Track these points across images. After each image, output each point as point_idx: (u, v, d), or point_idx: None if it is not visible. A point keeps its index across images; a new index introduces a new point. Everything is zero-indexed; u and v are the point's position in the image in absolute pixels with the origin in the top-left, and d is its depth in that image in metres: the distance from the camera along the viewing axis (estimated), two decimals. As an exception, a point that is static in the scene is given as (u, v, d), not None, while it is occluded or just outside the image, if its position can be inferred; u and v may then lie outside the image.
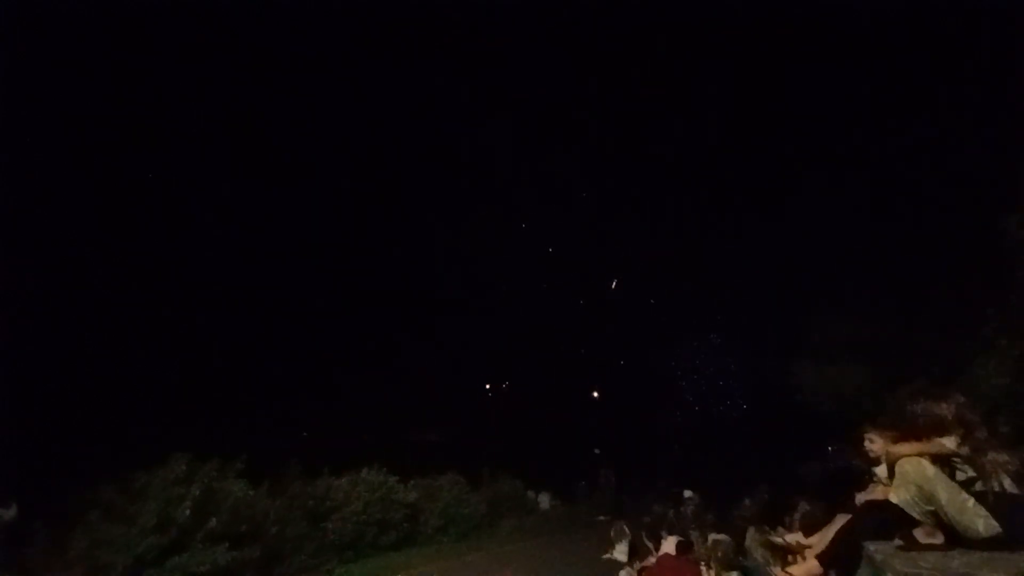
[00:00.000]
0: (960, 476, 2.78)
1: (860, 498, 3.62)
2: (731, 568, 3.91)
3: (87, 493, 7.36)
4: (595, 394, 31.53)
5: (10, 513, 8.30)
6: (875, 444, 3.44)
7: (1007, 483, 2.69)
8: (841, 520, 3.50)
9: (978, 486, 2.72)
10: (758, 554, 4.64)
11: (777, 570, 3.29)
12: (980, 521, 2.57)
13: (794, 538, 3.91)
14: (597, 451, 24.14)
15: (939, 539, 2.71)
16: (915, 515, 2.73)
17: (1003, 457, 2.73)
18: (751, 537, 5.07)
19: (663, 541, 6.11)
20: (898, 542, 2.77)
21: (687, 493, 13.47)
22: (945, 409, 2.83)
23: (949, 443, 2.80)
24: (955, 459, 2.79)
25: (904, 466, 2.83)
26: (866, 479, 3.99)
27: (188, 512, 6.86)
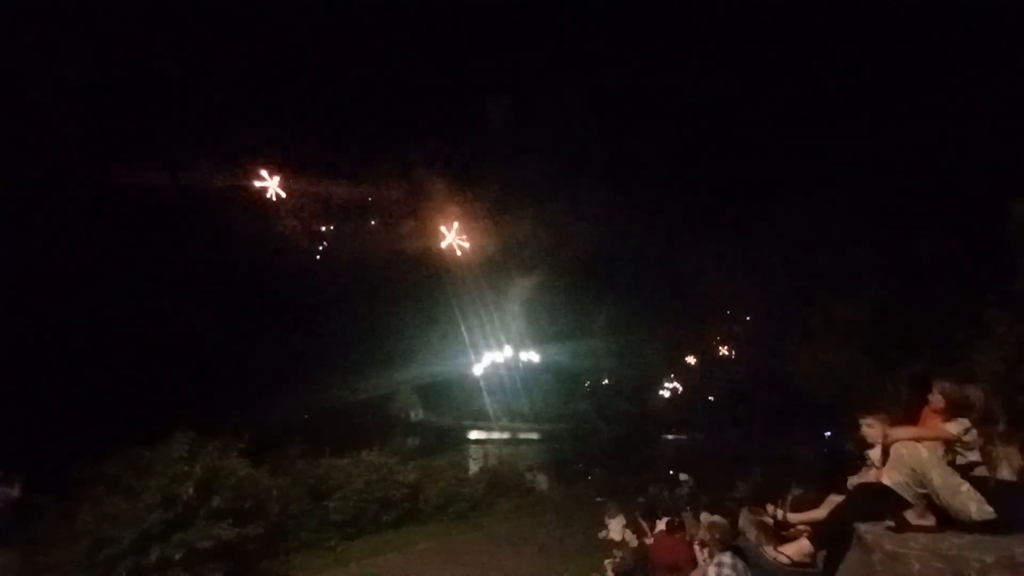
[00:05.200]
0: (961, 461, 2.82)
1: (852, 481, 3.67)
2: (726, 549, 3.99)
3: (93, 468, 7.46)
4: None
5: (14, 492, 8.45)
6: (874, 428, 3.47)
7: (1006, 472, 2.72)
8: (833, 502, 3.55)
9: (978, 471, 2.76)
10: (751, 534, 4.72)
11: (769, 549, 3.34)
12: (973, 505, 2.60)
13: (783, 514, 3.97)
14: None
15: (930, 521, 2.75)
16: (907, 497, 2.77)
17: (1010, 449, 2.76)
18: (744, 517, 5.16)
19: (658, 522, 6.23)
20: (889, 523, 2.82)
21: (682, 476, 13.69)
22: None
23: (953, 428, 2.82)
24: (958, 444, 2.81)
25: (899, 449, 2.86)
26: (859, 462, 4.04)
27: (192, 489, 6.95)
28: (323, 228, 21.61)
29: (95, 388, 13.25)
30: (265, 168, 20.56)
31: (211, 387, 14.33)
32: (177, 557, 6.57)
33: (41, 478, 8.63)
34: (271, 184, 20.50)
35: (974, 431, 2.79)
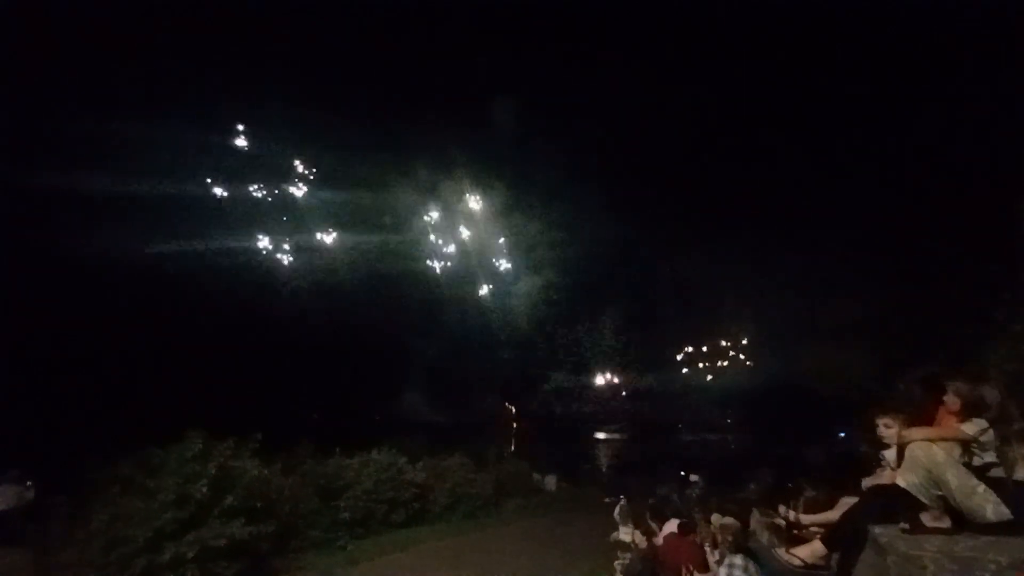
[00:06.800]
0: (976, 462, 2.79)
1: (867, 482, 3.64)
2: (738, 551, 3.96)
3: (107, 468, 7.56)
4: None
5: (28, 494, 8.59)
6: (891, 429, 3.44)
7: (1022, 473, 2.69)
8: (846, 503, 3.53)
9: (994, 472, 2.74)
10: (763, 535, 4.70)
11: (781, 551, 3.32)
12: (989, 506, 2.58)
13: (795, 516, 3.95)
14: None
15: (946, 523, 2.73)
16: (923, 499, 2.75)
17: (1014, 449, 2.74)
18: (755, 519, 5.14)
19: (667, 523, 6.20)
20: (903, 525, 2.79)
21: (693, 477, 13.61)
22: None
23: (969, 428, 2.80)
24: (974, 445, 2.79)
25: (915, 450, 2.84)
26: (872, 463, 4.01)
27: (205, 488, 7.02)
28: (329, 231, 21.76)
29: (109, 389, 13.45)
30: (273, 174, 20.79)
31: (223, 387, 14.48)
32: (190, 556, 6.64)
33: (55, 478, 8.76)
34: (284, 189, 20.74)
35: (990, 431, 2.76)
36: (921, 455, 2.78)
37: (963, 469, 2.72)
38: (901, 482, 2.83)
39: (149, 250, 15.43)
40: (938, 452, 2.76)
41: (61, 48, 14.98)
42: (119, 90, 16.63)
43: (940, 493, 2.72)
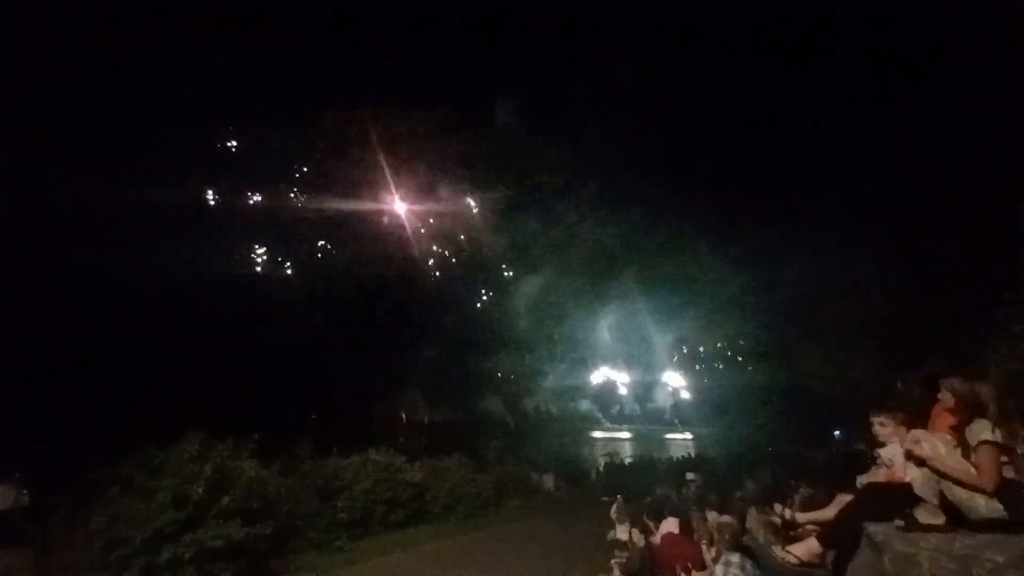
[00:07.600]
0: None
1: (862, 480, 3.64)
2: (735, 549, 3.95)
3: (107, 469, 7.56)
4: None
5: (24, 499, 8.61)
6: (887, 428, 3.43)
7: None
8: (842, 501, 3.52)
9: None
10: (760, 534, 4.68)
11: (778, 549, 3.32)
12: (981, 500, 2.58)
13: (792, 514, 3.95)
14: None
15: (941, 520, 2.72)
16: (926, 495, 2.75)
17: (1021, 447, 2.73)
18: (752, 517, 5.12)
19: (664, 521, 6.19)
20: (899, 523, 2.79)
21: (690, 475, 13.59)
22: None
23: (986, 431, 2.79)
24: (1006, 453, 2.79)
25: (920, 443, 2.85)
26: (869, 462, 4.00)
27: (203, 489, 7.02)
28: (329, 232, 21.77)
29: (109, 390, 13.45)
30: (276, 175, 20.82)
31: (222, 388, 14.47)
32: (188, 556, 6.64)
33: (55, 479, 8.76)
34: (282, 191, 20.78)
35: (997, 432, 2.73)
36: (926, 447, 2.78)
37: (964, 461, 2.71)
38: (908, 477, 2.84)
39: (148, 252, 15.43)
40: (939, 446, 2.77)
41: (60, 49, 15.01)
42: (119, 93, 16.69)
43: (939, 486, 2.72)
